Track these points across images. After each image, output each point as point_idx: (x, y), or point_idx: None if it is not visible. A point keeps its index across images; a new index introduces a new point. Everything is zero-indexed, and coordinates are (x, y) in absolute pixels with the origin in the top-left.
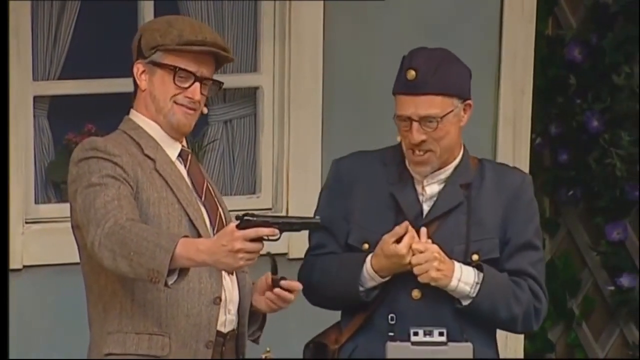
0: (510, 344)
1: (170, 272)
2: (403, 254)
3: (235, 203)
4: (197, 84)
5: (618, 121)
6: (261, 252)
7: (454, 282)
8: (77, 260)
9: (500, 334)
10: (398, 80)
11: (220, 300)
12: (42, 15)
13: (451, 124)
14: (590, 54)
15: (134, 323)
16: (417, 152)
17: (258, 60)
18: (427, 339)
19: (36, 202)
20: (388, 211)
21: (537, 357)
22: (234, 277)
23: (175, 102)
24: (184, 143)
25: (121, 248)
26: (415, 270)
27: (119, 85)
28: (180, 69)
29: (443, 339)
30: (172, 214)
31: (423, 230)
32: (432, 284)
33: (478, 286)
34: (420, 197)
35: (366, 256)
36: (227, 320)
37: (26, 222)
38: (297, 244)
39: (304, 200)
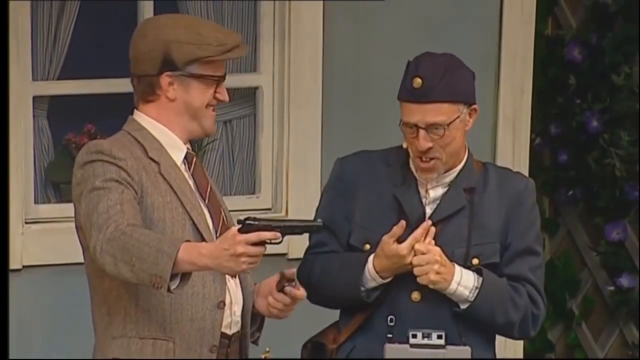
0: (510, 344)
1: (173, 277)
2: (404, 254)
3: (235, 203)
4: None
5: (618, 121)
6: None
7: (453, 286)
8: (77, 260)
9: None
10: (403, 86)
11: (224, 304)
12: (42, 15)
13: (457, 130)
14: (590, 54)
15: (138, 328)
16: (423, 159)
17: (258, 60)
18: (426, 341)
19: (36, 202)
20: (390, 213)
21: (537, 357)
22: (237, 278)
23: (207, 106)
24: (188, 145)
25: (122, 254)
26: (415, 271)
27: (119, 85)
28: (220, 76)
29: (441, 341)
30: (176, 218)
31: (432, 229)
32: (431, 286)
33: (477, 291)
34: (424, 200)
35: (368, 257)
36: (232, 322)
37: (26, 222)
38: (296, 244)
39: (303, 200)
